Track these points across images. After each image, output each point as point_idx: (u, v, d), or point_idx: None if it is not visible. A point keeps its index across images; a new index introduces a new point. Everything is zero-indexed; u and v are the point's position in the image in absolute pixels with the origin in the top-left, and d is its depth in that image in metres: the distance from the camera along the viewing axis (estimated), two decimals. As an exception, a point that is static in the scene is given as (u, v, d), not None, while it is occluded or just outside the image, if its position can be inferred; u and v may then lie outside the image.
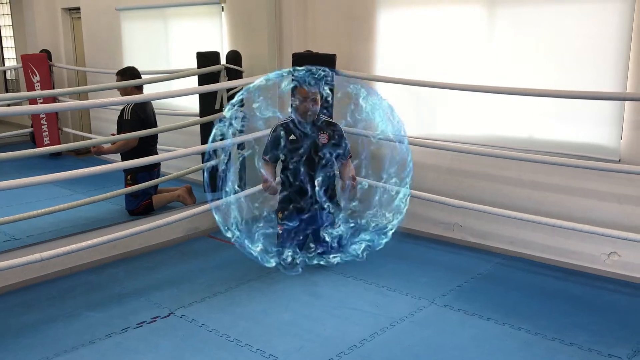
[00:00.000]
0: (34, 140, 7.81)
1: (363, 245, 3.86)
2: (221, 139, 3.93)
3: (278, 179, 4.13)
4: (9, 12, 10.24)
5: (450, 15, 4.51)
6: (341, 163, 4.13)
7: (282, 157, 4.10)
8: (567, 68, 4.00)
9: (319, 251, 3.99)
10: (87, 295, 3.80)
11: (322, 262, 3.94)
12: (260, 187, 4.15)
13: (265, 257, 3.83)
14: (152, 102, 5.30)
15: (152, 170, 5.14)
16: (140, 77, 5.23)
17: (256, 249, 3.82)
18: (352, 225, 4.01)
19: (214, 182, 4.00)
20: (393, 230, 3.85)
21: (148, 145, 5.08)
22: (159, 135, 5.27)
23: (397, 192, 3.95)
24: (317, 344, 3.15)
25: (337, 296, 3.74)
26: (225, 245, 4.56)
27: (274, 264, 3.87)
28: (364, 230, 3.96)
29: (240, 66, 5.12)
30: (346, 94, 4.21)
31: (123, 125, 5.08)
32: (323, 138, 4.08)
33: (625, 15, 3.70)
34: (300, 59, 4.69)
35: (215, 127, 3.88)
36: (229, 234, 3.77)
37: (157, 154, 5.14)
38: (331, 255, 3.93)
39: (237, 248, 3.83)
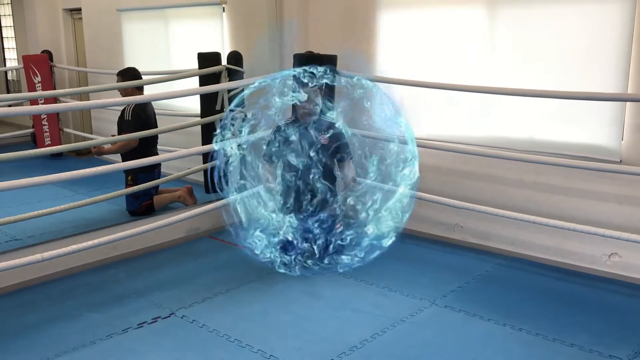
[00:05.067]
0: (35, 140, 7.81)
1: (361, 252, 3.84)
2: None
3: (278, 179, 4.13)
4: (10, 13, 10.24)
5: (451, 16, 4.51)
6: (342, 164, 4.12)
7: (282, 157, 4.10)
8: (568, 69, 4.00)
9: (319, 255, 3.98)
10: (87, 295, 3.80)
11: (321, 268, 3.92)
12: (261, 187, 4.15)
13: (266, 257, 3.83)
14: (153, 102, 5.30)
15: (153, 171, 5.14)
16: (141, 78, 5.23)
17: (257, 248, 3.81)
18: (352, 227, 4.00)
19: (218, 182, 4.00)
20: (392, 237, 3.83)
21: (149, 146, 5.08)
22: (160, 135, 5.27)
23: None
24: (317, 344, 3.15)
25: (338, 297, 3.75)
26: (226, 246, 4.56)
27: (274, 264, 3.86)
28: (364, 233, 3.95)
29: (242, 67, 5.12)
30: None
31: (123, 125, 5.08)
32: (323, 139, 4.07)
33: (626, 16, 3.70)
34: (301, 59, 4.68)
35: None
36: (231, 234, 3.77)
37: (157, 154, 5.14)
38: (329, 265, 3.92)
39: (238, 248, 3.83)
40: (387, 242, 3.82)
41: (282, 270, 3.87)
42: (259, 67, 5.19)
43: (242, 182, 4.24)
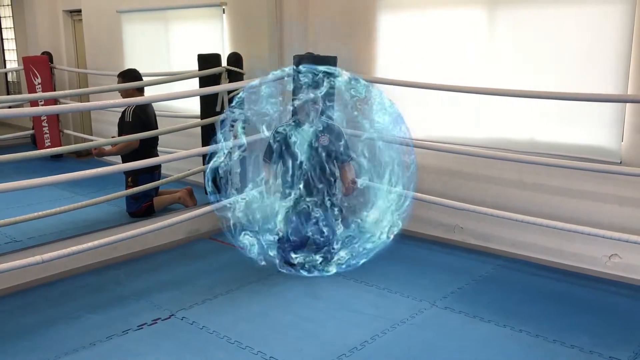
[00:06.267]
0: (35, 142, 7.82)
1: (360, 253, 3.84)
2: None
3: (278, 180, 4.13)
4: (11, 14, 10.26)
5: (451, 17, 4.51)
6: (342, 165, 4.12)
7: (282, 158, 4.10)
8: (568, 70, 4.00)
9: (318, 255, 3.97)
10: (87, 297, 3.80)
11: (319, 272, 3.91)
12: (261, 188, 4.15)
13: (265, 259, 3.83)
14: (153, 104, 5.30)
15: (153, 172, 5.14)
16: (142, 79, 5.23)
17: (256, 250, 3.81)
18: (352, 229, 4.00)
19: (216, 184, 4.00)
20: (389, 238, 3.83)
21: (149, 147, 5.08)
22: (160, 137, 5.27)
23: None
24: (317, 346, 3.15)
25: (338, 298, 3.74)
26: (226, 247, 4.56)
27: (274, 265, 3.86)
28: (363, 234, 3.95)
29: (242, 68, 5.13)
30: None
31: (124, 127, 5.09)
32: (323, 140, 4.07)
33: (626, 17, 3.70)
34: (301, 60, 4.68)
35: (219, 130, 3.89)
36: (230, 235, 3.77)
37: (157, 156, 5.14)
38: (329, 266, 3.91)
39: (238, 250, 3.83)
40: (387, 242, 3.83)
41: (282, 271, 3.88)
42: (258, 68, 5.19)
43: (242, 183, 4.24)
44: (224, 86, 4.90)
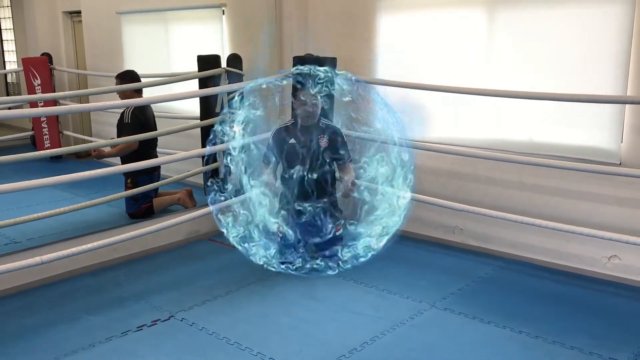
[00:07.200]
0: (34, 143, 7.81)
1: (361, 252, 3.83)
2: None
3: (278, 182, 4.13)
4: (10, 16, 10.26)
5: (450, 18, 4.52)
6: (341, 167, 4.12)
7: (282, 160, 4.10)
8: (568, 71, 4.00)
9: (319, 257, 3.97)
10: (87, 298, 3.80)
11: (321, 271, 3.91)
12: (260, 189, 4.14)
13: (265, 260, 3.82)
14: (153, 105, 5.29)
15: (153, 174, 5.13)
16: (139, 81, 5.22)
17: (256, 251, 3.81)
18: (351, 230, 4.00)
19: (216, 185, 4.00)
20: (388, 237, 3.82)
21: (148, 149, 5.08)
22: (160, 138, 5.27)
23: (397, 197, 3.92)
24: (317, 347, 3.15)
25: (337, 299, 3.74)
26: (225, 249, 4.56)
27: (273, 267, 3.86)
28: (363, 235, 3.94)
29: (241, 69, 5.12)
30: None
31: (123, 128, 5.09)
32: (323, 142, 4.07)
33: (626, 18, 3.71)
34: (300, 62, 4.68)
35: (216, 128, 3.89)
36: (229, 236, 3.77)
37: (157, 157, 5.14)
38: (330, 267, 3.91)
39: (238, 251, 3.82)
40: (386, 243, 3.82)
41: (281, 270, 3.87)
42: (258, 69, 5.19)
43: (241, 184, 4.23)
44: (224, 87, 4.90)
